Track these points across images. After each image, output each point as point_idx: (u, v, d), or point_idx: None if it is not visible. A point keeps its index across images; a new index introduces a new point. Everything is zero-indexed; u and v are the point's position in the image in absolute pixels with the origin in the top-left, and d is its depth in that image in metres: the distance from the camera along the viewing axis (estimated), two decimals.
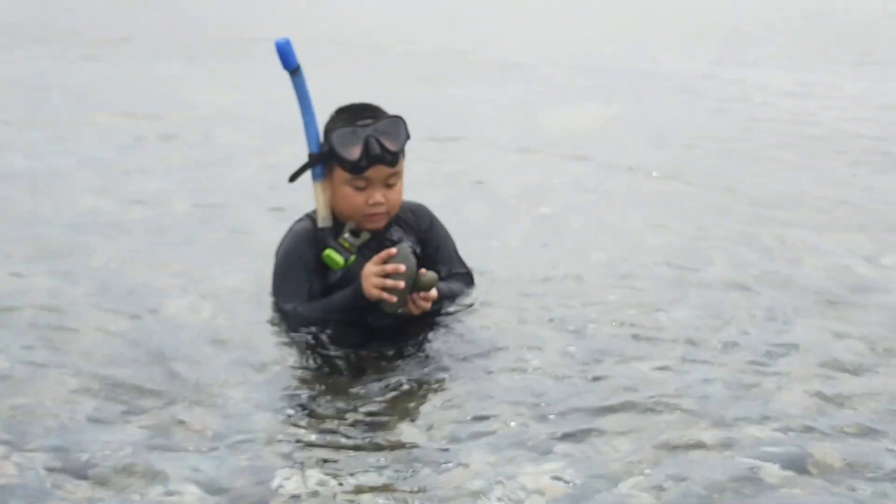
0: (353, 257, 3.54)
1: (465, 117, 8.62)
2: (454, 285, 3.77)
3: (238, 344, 3.55)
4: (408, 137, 3.55)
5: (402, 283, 3.37)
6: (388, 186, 3.55)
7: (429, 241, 3.76)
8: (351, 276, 3.54)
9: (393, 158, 3.50)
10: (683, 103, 9.43)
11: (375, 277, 3.38)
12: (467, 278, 3.85)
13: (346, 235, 3.55)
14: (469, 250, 3.96)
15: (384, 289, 3.37)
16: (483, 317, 3.74)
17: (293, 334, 3.56)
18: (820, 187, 6.16)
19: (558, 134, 7.91)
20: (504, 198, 5.89)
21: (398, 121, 3.54)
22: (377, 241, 3.62)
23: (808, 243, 4.90)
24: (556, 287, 4.22)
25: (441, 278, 3.67)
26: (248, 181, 6.19)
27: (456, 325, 3.64)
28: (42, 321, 3.74)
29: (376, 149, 3.47)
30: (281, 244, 3.69)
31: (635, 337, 3.66)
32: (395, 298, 3.38)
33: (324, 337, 3.52)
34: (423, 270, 3.44)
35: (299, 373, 3.35)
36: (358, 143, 3.47)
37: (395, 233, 3.70)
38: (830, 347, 3.62)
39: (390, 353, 3.46)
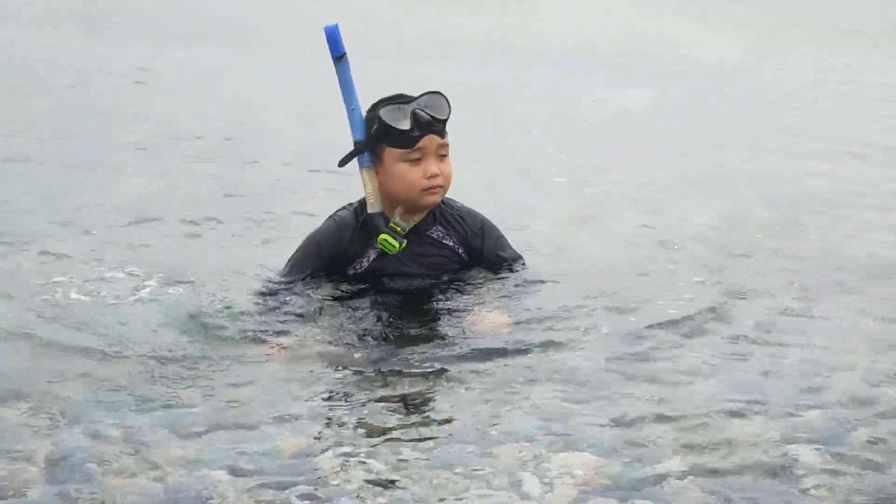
0: (405, 242, 3.54)
1: (504, 100, 8.61)
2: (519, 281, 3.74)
3: (269, 326, 3.54)
4: (450, 110, 3.57)
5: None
6: (441, 158, 3.56)
7: (483, 242, 3.72)
8: (377, 272, 3.60)
9: (441, 127, 3.54)
10: (723, 88, 9.36)
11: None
12: (523, 265, 3.81)
13: (398, 220, 3.56)
14: (508, 231, 3.95)
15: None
16: (520, 299, 3.73)
17: (320, 315, 3.55)
18: (863, 172, 6.10)
19: (599, 117, 7.88)
20: (545, 179, 5.88)
21: (438, 95, 3.57)
22: (417, 237, 3.62)
23: (852, 225, 4.86)
24: (596, 269, 4.21)
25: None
26: (286, 162, 6.21)
27: (491, 306, 3.63)
28: (74, 304, 3.77)
29: (425, 117, 3.49)
30: (315, 230, 3.72)
31: (674, 321, 3.64)
32: None
33: (351, 315, 3.52)
34: None
35: (329, 354, 3.33)
36: (406, 117, 3.50)
37: (437, 231, 3.68)
38: (872, 331, 3.58)
39: (423, 334, 3.44)
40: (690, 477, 2.60)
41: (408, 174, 3.53)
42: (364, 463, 2.67)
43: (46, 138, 6.81)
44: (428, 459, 2.68)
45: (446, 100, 3.57)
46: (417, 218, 3.63)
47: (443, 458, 2.69)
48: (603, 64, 10.56)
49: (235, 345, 3.38)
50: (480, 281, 3.72)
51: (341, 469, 2.64)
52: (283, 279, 3.69)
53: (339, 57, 3.55)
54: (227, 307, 3.69)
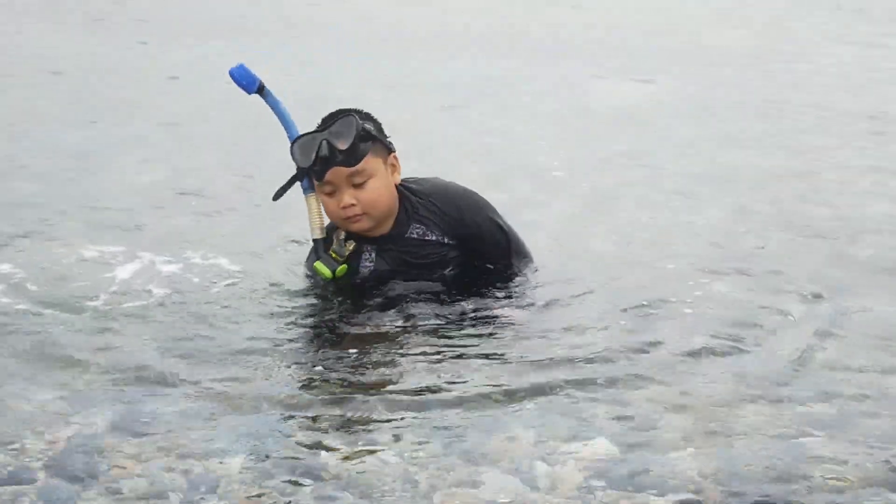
0: (342, 266, 3.54)
1: (509, 93, 8.60)
2: (521, 280, 3.70)
3: (283, 315, 3.58)
4: (365, 133, 3.44)
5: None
6: (356, 186, 3.46)
7: (465, 219, 3.61)
8: (375, 281, 3.58)
9: (345, 158, 3.42)
10: (728, 78, 9.34)
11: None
12: (527, 259, 3.76)
13: (334, 245, 3.57)
14: (513, 224, 3.95)
15: None
16: (526, 287, 3.73)
17: (334, 305, 3.59)
18: (871, 159, 6.10)
19: (604, 110, 7.87)
20: (549, 172, 5.88)
21: (349, 119, 3.44)
22: (394, 243, 3.59)
23: (861, 215, 4.86)
24: (603, 262, 4.22)
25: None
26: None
27: (499, 297, 3.64)
28: (90, 293, 3.79)
29: (325, 151, 3.40)
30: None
31: (682, 311, 3.65)
32: None
33: (366, 304, 3.55)
34: None
35: (343, 343, 3.37)
36: (313, 150, 3.43)
37: (416, 230, 3.60)
38: (883, 324, 3.59)
39: (432, 323, 3.47)
40: (699, 466, 2.62)
41: (327, 204, 3.52)
42: (373, 451, 2.69)
43: (52, 129, 6.82)
44: (438, 447, 2.70)
45: (356, 123, 3.43)
46: (379, 229, 3.55)
47: (452, 446, 2.70)
48: (610, 54, 10.55)
49: (247, 332, 3.41)
50: (484, 276, 3.72)
51: (351, 457, 2.65)
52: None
53: (258, 91, 3.54)
54: (240, 296, 3.72)
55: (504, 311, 3.53)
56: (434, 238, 3.60)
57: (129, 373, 3.11)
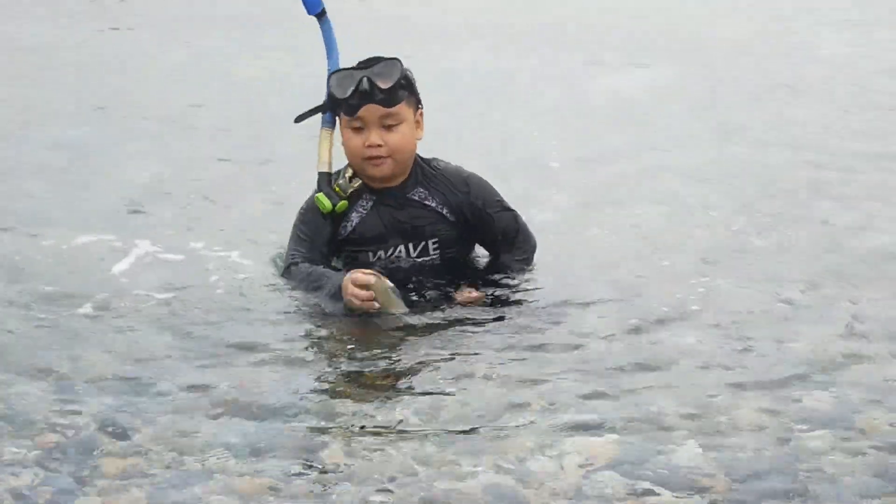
0: (342, 202, 3.54)
1: (511, 85, 8.59)
2: (516, 268, 3.71)
3: (282, 309, 3.57)
4: (407, 80, 3.53)
5: (374, 306, 3.35)
6: (387, 129, 3.51)
7: (475, 211, 3.65)
8: (363, 232, 3.58)
9: (386, 98, 3.48)
10: (730, 69, 9.32)
11: (351, 295, 3.36)
12: (529, 253, 3.77)
13: (340, 180, 3.58)
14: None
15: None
16: (528, 282, 3.73)
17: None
18: (875, 151, 6.10)
19: (604, 103, 7.86)
20: (550, 165, 5.88)
21: (394, 62, 3.52)
22: (394, 199, 3.61)
23: (864, 212, 4.86)
24: (603, 255, 4.22)
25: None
26: (290, 147, 6.19)
27: (500, 290, 3.64)
28: (90, 286, 3.80)
29: (366, 86, 3.46)
30: (305, 200, 3.72)
31: (683, 304, 3.66)
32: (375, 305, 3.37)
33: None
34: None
35: (343, 340, 3.36)
36: (352, 84, 3.49)
37: (419, 192, 3.64)
38: (881, 318, 3.59)
39: (434, 319, 3.46)
40: (703, 460, 2.62)
41: (351, 140, 3.55)
42: (372, 444, 2.69)
43: (53, 124, 6.82)
44: (438, 440, 2.71)
45: (400, 67, 3.52)
46: (389, 181, 3.59)
47: (453, 439, 2.71)
48: (610, 47, 10.52)
49: (246, 326, 3.42)
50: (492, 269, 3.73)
51: (349, 450, 2.66)
52: (286, 260, 3.68)
53: (318, 14, 3.58)
54: (239, 290, 3.73)
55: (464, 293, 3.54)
56: (433, 205, 3.64)
57: (126, 367, 3.12)
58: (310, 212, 3.63)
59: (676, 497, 2.48)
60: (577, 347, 3.28)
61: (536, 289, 3.72)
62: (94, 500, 2.42)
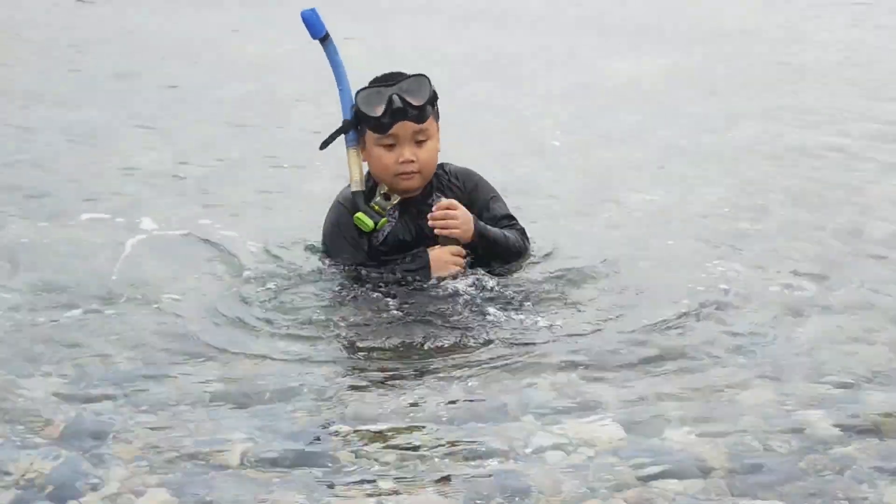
0: (383, 220, 3.61)
1: (518, 68, 8.57)
2: (508, 232, 3.74)
3: (288, 301, 3.56)
4: (434, 96, 3.59)
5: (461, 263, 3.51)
6: (418, 144, 3.58)
7: (474, 202, 3.73)
8: (394, 240, 3.64)
9: (418, 114, 3.54)
10: (738, 53, 9.29)
11: (449, 259, 3.51)
12: (519, 233, 3.81)
13: (378, 199, 3.62)
14: (521, 202, 3.94)
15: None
16: (532, 270, 3.73)
17: (341, 289, 3.58)
18: (880, 133, 6.08)
19: (614, 85, 7.84)
20: (557, 149, 5.87)
21: (422, 79, 3.58)
22: (417, 208, 3.66)
23: (873, 195, 4.85)
24: (609, 237, 4.21)
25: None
26: (298, 130, 6.19)
27: (505, 278, 3.63)
28: (96, 273, 3.80)
29: (398, 103, 3.51)
30: (327, 215, 3.76)
31: (689, 293, 3.64)
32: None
33: (369, 293, 3.54)
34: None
35: (347, 329, 3.35)
36: (382, 102, 3.53)
37: (437, 200, 3.68)
38: (889, 301, 3.58)
39: (439, 311, 3.43)
40: (706, 446, 2.62)
41: (383, 158, 3.59)
42: (379, 433, 2.69)
43: (58, 105, 6.82)
44: (444, 429, 2.71)
45: (429, 84, 3.58)
46: (403, 195, 3.64)
47: (459, 427, 2.71)
48: (620, 30, 10.49)
49: (255, 317, 3.41)
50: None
51: (357, 439, 2.66)
52: (327, 267, 3.71)
53: (321, 39, 3.62)
54: (247, 278, 3.73)
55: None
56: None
57: (133, 356, 3.12)
58: (342, 225, 3.68)
59: (680, 483, 2.48)
60: (580, 333, 3.27)
61: (541, 272, 3.72)
62: (100, 493, 2.42)
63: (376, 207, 3.62)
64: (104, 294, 3.61)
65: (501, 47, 9.50)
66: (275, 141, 6.06)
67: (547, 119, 6.74)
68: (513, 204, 3.87)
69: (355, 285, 3.59)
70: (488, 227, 3.64)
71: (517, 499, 2.40)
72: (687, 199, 4.89)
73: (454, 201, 3.58)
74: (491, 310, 3.42)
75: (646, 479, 2.49)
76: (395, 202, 3.64)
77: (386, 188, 3.64)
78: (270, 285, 3.67)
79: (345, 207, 3.68)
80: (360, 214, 3.59)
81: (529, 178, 5.11)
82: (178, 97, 7.24)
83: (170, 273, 3.85)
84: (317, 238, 3.83)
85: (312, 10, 3.61)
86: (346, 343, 3.26)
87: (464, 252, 3.57)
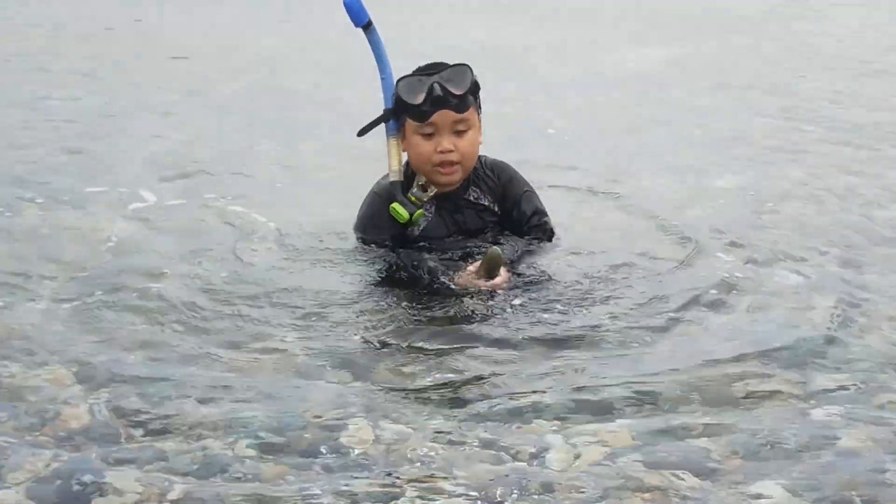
0: (419, 211, 3.58)
1: (523, 59, 8.55)
2: (534, 245, 3.69)
3: (308, 289, 3.53)
4: (476, 86, 3.56)
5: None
6: (458, 134, 3.55)
7: (507, 195, 3.72)
8: (427, 235, 3.63)
9: (458, 103, 3.52)
10: (745, 44, 9.27)
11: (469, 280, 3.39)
12: (546, 232, 3.77)
13: (415, 189, 3.59)
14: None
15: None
16: (545, 267, 3.71)
17: (365, 282, 3.56)
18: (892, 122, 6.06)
19: (621, 76, 7.82)
20: (567, 139, 5.86)
21: (464, 68, 3.55)
22: (453, 203, 3.67)
23: (885, 185, 4.83)
24: (620, 232, 4.19)
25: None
26: (315, 124, 6.20)
27: (518, 277, 3.62)
28: (108, 263, 3.80)
29: (439, 91, 3.49)
30: (361, 205, 3.73)
31: (700, 284, 3.62)
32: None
33: (392, 287, 3.50)
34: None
35: (366, 322, 3.32)
36: (423, 90, 3.51)
37: (473, 193, 3.70)
38: None
39: (454, 308, 3.38)
40: (719, 442, 2.60)
41: (421, 147, 3.56)
42: (392, 428, 2.67)
43: (70, 97, 6.83)
44: (457, 427, 2.69)
45: (471, 73, 3.55)
46: (442, 189, 3.62)
47: (472, 425, 2.69)
48: (630, 19, 10.47)
49: (269, 308, 3.39)
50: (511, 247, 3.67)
51: (369, 435, 2.64)
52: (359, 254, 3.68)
53: (364, 26, 3.57)
54: (261, 267, 3.72)
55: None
56: (486, 203, 3.72)
57: (145, 347, 3.11)
58: (375, 215, 3.65)
59: (694, 478, 2.46)
60: (592, 328, 3.24)
61: (552, 265, 3.70)
62: (111, 487, 2.42)
63: (413, 198, 3.58)
64: (116, 282, 3.60)
65: (506, 38, 9.48)
66: (290, 130, 6.06)
67: (555, 109, 6.73)
68: None
69: (383, 274, 3.55)
70: (520, 260, 3.57)
71: (534, 498, 2.39)
72: (697, 189, 4.88)
73: (497, 282, 3.40)
74: (502, 302, 3.37)
75: (660, 476, 2.47)
76: (432, 194, 3.61)
77: (423, 179, 3.61)
78: (286, 273, 3.66)
79: (380, 197, 3.65)
80: (395, 205, 3.56)
81: (537, 166, 5.09)
82: (193, 88, 7.25)
83: (180, 260, 3.84)
84: (333, 226, 3.81)
85: None
86: (360, 336, 3.22)
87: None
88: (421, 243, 3.67)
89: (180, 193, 4.69)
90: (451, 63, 3.57)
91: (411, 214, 3.56)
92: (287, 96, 7.01)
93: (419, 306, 3.39)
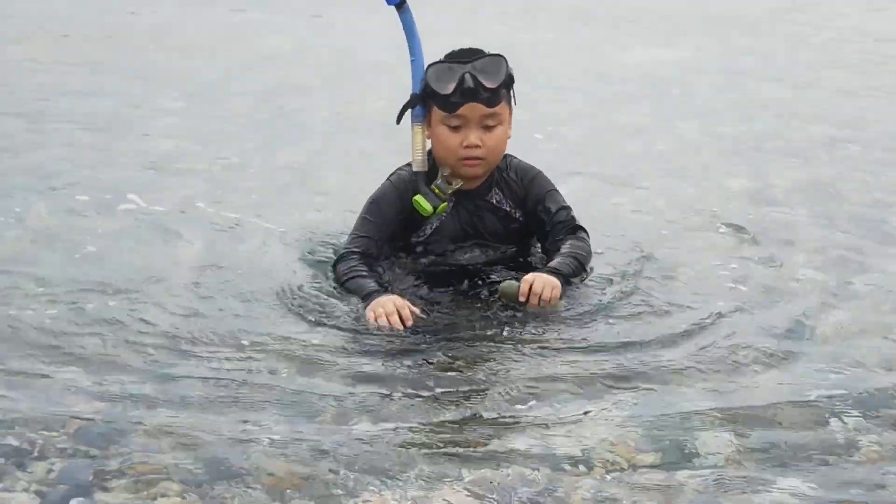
0: (443, 205, 3.43)
1: (530, 60, 8.54)
2: (575, 248, 3.48)
3: (316, 292, 3.51)
4: (510, 79, 3.38)
5: (398, 326, 3.16)
6: (487, 129, 3.38)
7: (530, 195, 3.55)
8: (444, 234, 3.48)
9: (490, 97, 3.33)
10: (755, 43, 9.25)
11: (383, 310, 3.18)
12: (574, 229, 3.56)
13: (439, 181, 3.43)
14: None
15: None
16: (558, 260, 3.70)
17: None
18: None
19: (629, 77, 7.81)
20: (575, 140, 5.85)
21: (499, 59, 3.36)
22: (473, 203, 3.52)
23: (890, 182, 4.82)
24: (629, 230, 4.19)
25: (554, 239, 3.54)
26: (324, 121, 6.20)
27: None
28: (117, 263, 3.81)
29: (470, 83, 3.30)
30: (376, 190, 3.57)
31: (713, 280, 3.63)
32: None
33: (415, 275, 3.48)
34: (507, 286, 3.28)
35: (369, 333, 3.26)
36: (453, 79, 3.32)
37: (495, 196, 3.55)
38: None
39: (467, 312, 3.36)
40: (732, 441, 2.60)
41: (447, 139, 3.39)
42: (403, 428, 2.67)
43: (75, 96, 6.84)
44: (469, 428, 2.68)
45: (506, 65, 3.36)
46: (468, 183, 3.48)
47: (483, 425, 2.69)
48: (636, 20, 10.46)
49: (278, 316, 3.35)
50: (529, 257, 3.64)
51: (380, 434, 2.64)
52: (345, 249, 3.50)
53: (398, 5, 3.40)
54: (269, 268, 3.71)
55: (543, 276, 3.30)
56: (507, 209, 3.56)
57: (152, 347, 3.10)
58: (383, 203, 3.48)
59: (703, 478, 2.45)
60: (604, 330, 3.23)
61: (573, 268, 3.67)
62: (122, 485, 2.42)
63: (437, 191, 3.41)
64: (124, 283, 3.59)
65: (515, 37, 9.47)
66: (298, 130, 6.06)
67: (562, 110, 6.72)
68: None
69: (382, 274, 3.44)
70: (565, 268, 3.38)
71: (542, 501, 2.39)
72: (706, 190, 4.87)
73: (545, 293, 3.24)
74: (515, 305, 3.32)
75: (669, 476, 2.47)
76: (457, 187, 3.44)
77: (448, 171, 3.44)
78: (294, 273, 3.64)
79: (395, 188, 3.48)
80: (418, 197, 3.39)
81: (546, 167, 5.08)
82: (201, 88, 7.25)
83: (191, 260, 3.85)
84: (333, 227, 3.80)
85: None
86: (369, 337, 3.18)
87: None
88: (428, 247, 3.49)
89: (181, 195, 4.68)
90: (487, 52, 3.40)
91: (435, 208, 3.40)
92: (289, 96, 7.01)
93: (434, 308, 3.33)
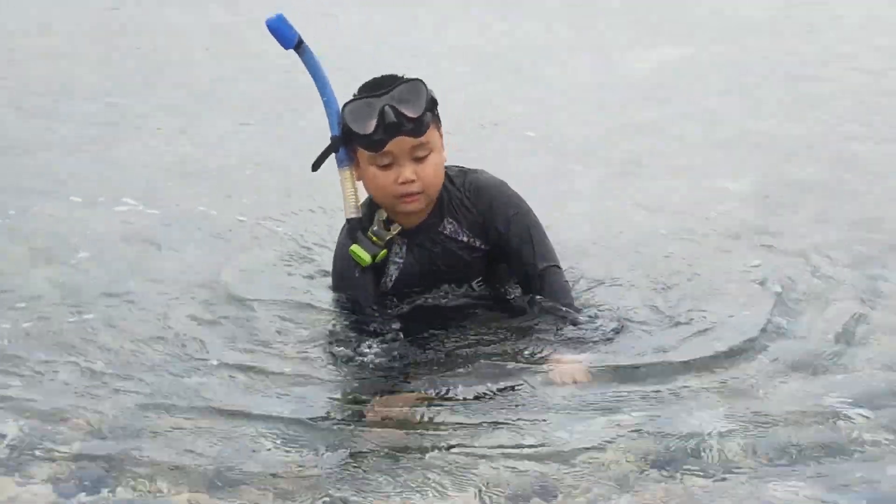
0: (382, 252, 3.16)
1: (533, 62, 8.53)
2: (569, 308, 3.21)
3: (317, 295, 3.53)
4: (433, 102, 3.10)
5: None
6: (418, 160, 3.08)
7: (490, 226, 3.23)
8: (403, 283, 3.24)
9: (415, 126, 3.03)
10: (757, 45, 9.24)
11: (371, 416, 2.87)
12: (555, 275, 3.24)
13: (374, 228, 3.16)
14: (539, 198, 3.87)
15: None
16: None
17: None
18: None
19: (632, 78, 7.81)
20: (576, 143, 5.84)
21: (417, 83, 3.07)
22: (428, 237, 3.24)
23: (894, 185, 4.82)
24: (633, 232, 4.19)
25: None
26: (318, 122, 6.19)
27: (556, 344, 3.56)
28: (121, 265, 3.80)
29: (391, 117, 3.00)
30: (334, 253, 3.33)
31: (716, 281, 3.63)
32: None
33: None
34: None
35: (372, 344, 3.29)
36: (373, 116, 3.03)
37: (448, 226, 3.24)
38: None
39: (471, 312, 3.35)
40: (739, 443, 2.60)
41: (380, 179, 3.10)
42: (412, 432, 2.68)
43: (78, 99, 6.84)
44: (477, 431, 2.69)
45: (426, 89, 3.06)
46: (412, 219, 3.20)
47: (491, 428, 2.70)
48: (636, 23, 10.45)
49: (282, 309, 3.40)
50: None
51: (394, 441, 2.64)
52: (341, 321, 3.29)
53: (295, 47, 3.13)
54: (271, 271, 3.72)
55: (567, 361, 3.08)
56: (465, 239, 3.26)
57: (158, 350, 3.12)
58: (345, 269, 3.23)
59: (708, 478, 2.46)
60: (608, 331, 3.22)
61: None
62: (130, 485, 2.42)
63: (374, 238, 3.14)
64: (124, 288, 3.61)
65: (520, 39, 9.45)
66: (297, 132, 6.05)
67: (566, 112, 6.71)
68: (534, 198, 3.46)
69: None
70: (573, 340, 3.13)
71: (545, 498, 2.37)
72: (711, 190, 4.87)
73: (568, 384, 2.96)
74: (519, 308, 3.29)
75: (673, 475, 2.45)
76: (396, 232, 3.17)
77: (385, 215, 3.18)
78: (298, 277, 3.66)
79: (344, 247, 3.21)
80: (354, 247, 3.12)
81: (550, 170, 5.08)
82: (202, 91, 7.25)
83: (196, 263, 3.85)
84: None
85: (278, 16, 3.08)
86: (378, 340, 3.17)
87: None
88: (397, 296, 3.24)
89: (181, 197, 4.68)
90: (401, 77, 3.10)
91: (374, 256, 3.13)
92: (289, 97, 7.00)
93: (418, 358, 3.17)
